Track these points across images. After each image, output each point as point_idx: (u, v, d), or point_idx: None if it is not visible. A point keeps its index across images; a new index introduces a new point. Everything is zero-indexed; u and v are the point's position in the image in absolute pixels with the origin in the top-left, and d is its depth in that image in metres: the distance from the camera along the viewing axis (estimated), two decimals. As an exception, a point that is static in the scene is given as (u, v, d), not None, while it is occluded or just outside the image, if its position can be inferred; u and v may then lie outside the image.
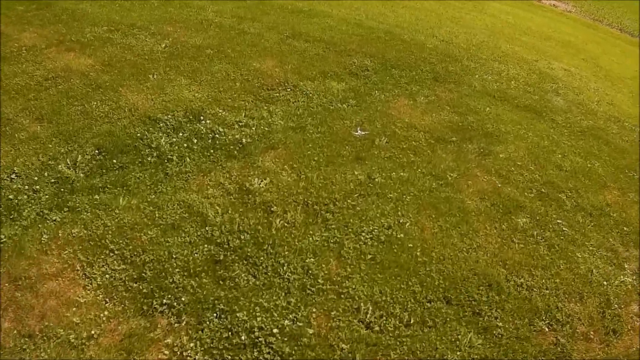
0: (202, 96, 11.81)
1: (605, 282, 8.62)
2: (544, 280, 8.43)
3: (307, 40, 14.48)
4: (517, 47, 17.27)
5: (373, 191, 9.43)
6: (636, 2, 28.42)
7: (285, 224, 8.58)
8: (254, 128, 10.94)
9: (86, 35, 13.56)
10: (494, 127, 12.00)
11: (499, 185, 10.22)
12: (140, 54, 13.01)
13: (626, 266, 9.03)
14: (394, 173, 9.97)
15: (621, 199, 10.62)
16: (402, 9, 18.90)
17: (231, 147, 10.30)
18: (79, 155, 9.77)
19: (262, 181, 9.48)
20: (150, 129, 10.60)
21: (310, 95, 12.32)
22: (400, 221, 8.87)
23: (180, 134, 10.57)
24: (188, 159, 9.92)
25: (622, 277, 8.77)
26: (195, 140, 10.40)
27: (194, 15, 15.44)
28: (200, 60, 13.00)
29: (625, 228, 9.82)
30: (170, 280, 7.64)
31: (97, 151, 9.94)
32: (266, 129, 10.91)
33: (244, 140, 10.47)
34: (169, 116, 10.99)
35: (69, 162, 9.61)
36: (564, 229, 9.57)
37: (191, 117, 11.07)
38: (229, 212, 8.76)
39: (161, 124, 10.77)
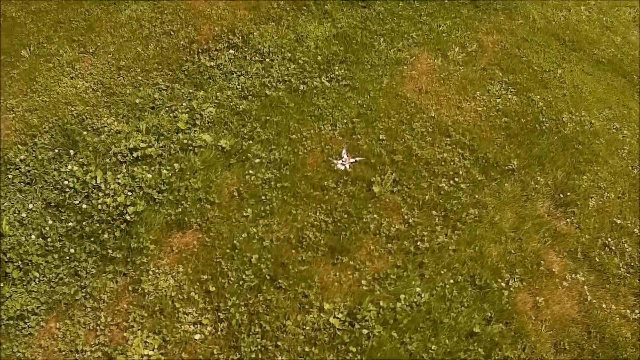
0: (89, 86, 6.27)
1: None
2: None
3: None
4: None
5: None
6: None
7: None
8: (157, 164, 5.56)
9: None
10: (574, 121, 6.28)
11: (588, 298, 4.98)
12: (26, 4, 7.07)
13: None
14: (402, 298, 4.75)
15: None
16: None
17: (108, 230, 5.10)
18: None
19: (149, 353, 4.46)
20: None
21: (270, 57, 6.57)
22: None
23: (32, 204, 5.34)
24: (36, 282, 4.86)
25: None
26: (48, 226, 5.18)
27: None
28: (105, 3, 7.04)
29: None
30: None
31: None
32: (176, 165, 5.50)
33: (129, 210, 5.17)
34: (26, 153, 5.68)
35: None
36: None
37: (59, 150, 5.70)
38: None
39: (12, 174, 5.52)
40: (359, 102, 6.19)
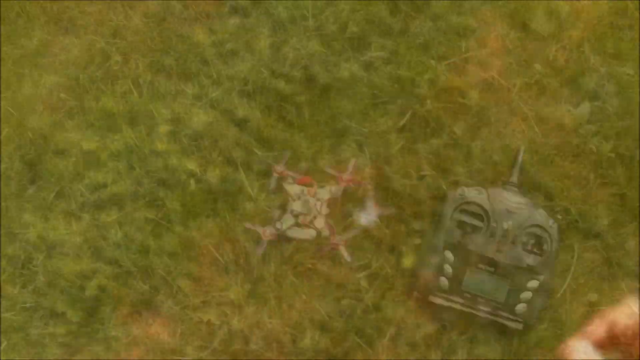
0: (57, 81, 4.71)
1: None
2: None
3: None
4: None
5: None
6: None
7: None
8: (124, 209, 4.21)
9: None
10: None
11: None
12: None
13: None
14: None
15: None
16: None
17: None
18: None
19: None
20: None
21: (286, 26, 4.58)
22: None
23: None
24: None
25: None
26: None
27: None
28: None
29: None
30: None
31: None
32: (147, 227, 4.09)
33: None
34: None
35: None
36: None
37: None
38: None
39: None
40: (399, 103, 4.17)
